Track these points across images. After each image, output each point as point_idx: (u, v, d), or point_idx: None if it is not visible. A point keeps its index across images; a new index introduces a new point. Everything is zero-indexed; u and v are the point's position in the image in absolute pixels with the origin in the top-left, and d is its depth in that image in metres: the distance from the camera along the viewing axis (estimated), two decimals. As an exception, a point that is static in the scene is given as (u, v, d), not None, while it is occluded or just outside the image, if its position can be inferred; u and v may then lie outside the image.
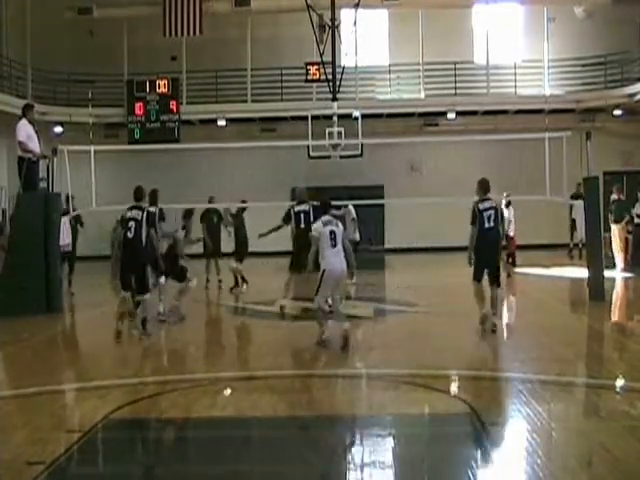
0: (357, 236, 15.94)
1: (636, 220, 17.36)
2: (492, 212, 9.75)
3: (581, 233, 17.60)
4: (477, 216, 9.72)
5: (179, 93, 24.94)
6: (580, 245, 19.91)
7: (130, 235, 9.47)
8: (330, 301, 9.21)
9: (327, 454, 5.56)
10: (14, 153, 13.03)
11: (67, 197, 14.12)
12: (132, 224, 9.48)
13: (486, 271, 9.75)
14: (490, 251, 9.80)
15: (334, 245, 8.76)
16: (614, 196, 17.42)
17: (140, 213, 9.57)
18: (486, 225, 9.68)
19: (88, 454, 5.51)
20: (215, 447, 5.66)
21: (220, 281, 15.43)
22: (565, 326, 10.35)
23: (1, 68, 23.78)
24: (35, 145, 12.58)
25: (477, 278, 9.78)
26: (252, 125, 25.48)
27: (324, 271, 8.77)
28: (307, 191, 13.37)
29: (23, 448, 5.34)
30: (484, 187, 9.99)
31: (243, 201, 15.79)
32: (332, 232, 8.79)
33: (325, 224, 8.89)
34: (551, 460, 4.99)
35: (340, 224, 9.10)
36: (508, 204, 16.33)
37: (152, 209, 12.07)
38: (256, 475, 5.10)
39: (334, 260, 8.78)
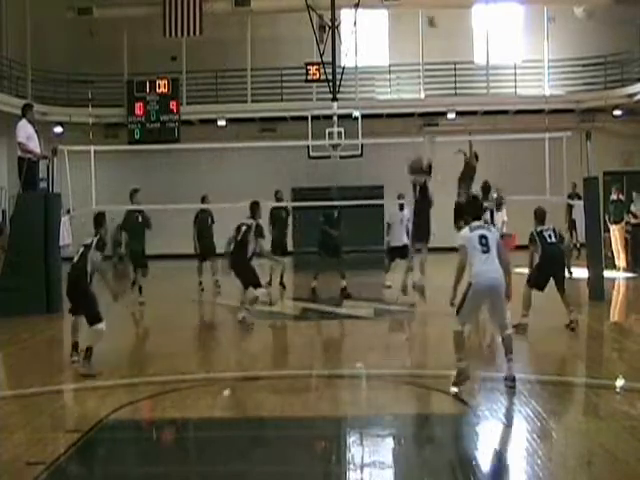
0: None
1: (632, 220, 17.34)
2: (551, 231, 10.34)
3: (581, 233, 17.52)
4: (537, 237, 10.21)
5: (179, 93, 24.95)
6: (578, 245, 19.89)
7: (75, 259, 8.40)
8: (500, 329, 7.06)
9: (327, 454, 5.57)
10: (14, 153, 13.04)
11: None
12: (81, 249, 8.41)
13: (553, 280, 10.15)
14: (556, 264, 10.24)
15: (486, 251, 6.93)
16: (613, 196, 17.42)
17: (92, 239, 8.51)
18: (549, 240, 10.19)
19: (88, 454, 5.51)
20: (215, 447, 5.65)
21: (217, 281, 15.29)
22: (565, 326, 10.33)
23: (1, 68, 23.77)
24: (35, 145, 12.58)
25: (538, 287, 10.20)
26: (252, 125, 25.47)
27: (469, 284, 6.94)
28: (307, 191, 13.45)
29: (23, 448, 5.34)
30: (541, 217, 10.47)
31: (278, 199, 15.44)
32: (483, 237, 6.99)
33: (473, 229, 7.10)
34: (551, 460, 4.99)
35: (494, 229, 7.37)
36: (500, 205, 15.71)
37: (249, 221, 11.08)
38: (256, 475, 5.10)
39: (484, 269, 6.86)
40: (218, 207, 15.82)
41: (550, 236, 10.26)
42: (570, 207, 18.93)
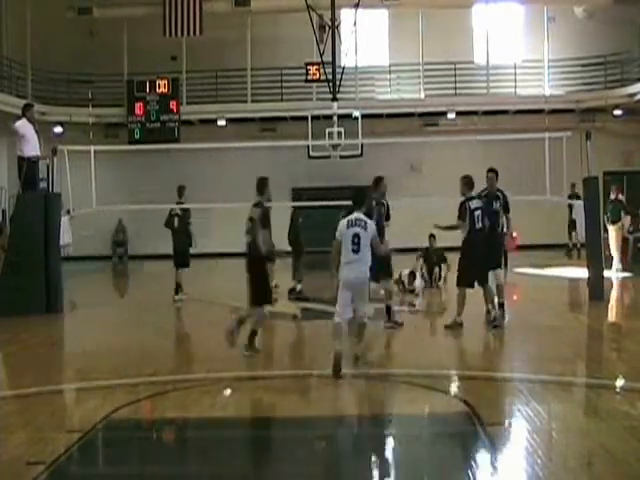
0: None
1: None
2: (480, 212, 9.79)
3: (581, 233, 17.54)
4: (468, 215, 9.67)
5: (179, 93, 24.96)
6: (579, 245, 19.89)
7: (248, 240, 8.49)
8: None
9: (327, 454, 5.56)
10: (14, 153, 13.04)
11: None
12: (248, 224, 8.46)
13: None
14: (480, 259, 9.76)
15: (356, 251, 7.45)
16: (612, 196, 17.36)
17: (258, 211, 8.46)
18: (477, 225, 9.72)
19: (88, 454, 5.50)
20: (215, 447, 5.65)
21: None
22: (565, 326, 10.34)
23: (1, 68, 23.78)
24: (34, 144, 12.57)
25: (470, 285, 9.74)
26: (252, 125, 25.49)
27: (339, 280, 7.58)
28: (307, 191, 13.41)
29: (23, 448, 5.34)
30: (470, 184, 9.93)
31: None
32: (356, 235, 7.47)
33: (350, 225, 7.53)
34: (551, 460, 4.98)
35: (371, 227, 7.62)
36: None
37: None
38: (256, 475, 5.10)
39: (350, 267, 7.47)
40: (219, 207, 15.80)
41: (479, 219, 9.67)
42: (570, 207, 18.97)
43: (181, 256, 13.80)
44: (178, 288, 13.79)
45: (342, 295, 7.50)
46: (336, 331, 7.48)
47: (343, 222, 7.57)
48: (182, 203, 13.89)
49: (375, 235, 7.66)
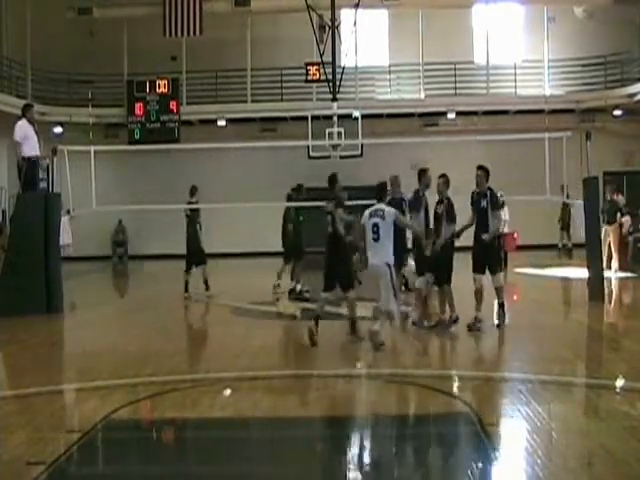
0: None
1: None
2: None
3: (578, 233, 17.49)
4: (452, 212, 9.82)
5: (179, 93, 24.97)
6: (570, 245, 19.89)
7: (329, 229, 9.17)
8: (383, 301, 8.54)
9: (327, 454, 5.56)
10: (14, 153, 13.03)
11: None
12: (328, 217, 9.16)
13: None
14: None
15: (376, 239, 8.40)
16: (608, 196, 17.33)
17: (329, 204, 9.18)
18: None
19: (88, 454, 5.50)
20: (215, 447, 5.65)
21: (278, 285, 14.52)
22: (565, 326, 10.34)
23: (1, 68, 23.78)
24: (34, 145, 12.56)
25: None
26: (252, 125, 25.49)
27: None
28: (307, 191, 13.38)
29: (23, 448, 5.34)
30: (448, 183, 10.10)
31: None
32: (375, 225, 8.41)
33: (371, 216, 8.51)
34: (551, 460, 4.98)
35: (390, 214, 8.48)
36: (502, 204, 15.54)
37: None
38: (256, 475, 5.09)
39: (370, 254, 8.48)
40: (219, 207, 15.78)
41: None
42: (566, 208, 18.93)
43: (193, 255, 14.13)
44: (206, 284, 14.06)
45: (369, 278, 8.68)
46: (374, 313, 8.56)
47: (366, 213, 8.52)
48: (192, 203, 14.12)
49: (397, 217, 8.54)
